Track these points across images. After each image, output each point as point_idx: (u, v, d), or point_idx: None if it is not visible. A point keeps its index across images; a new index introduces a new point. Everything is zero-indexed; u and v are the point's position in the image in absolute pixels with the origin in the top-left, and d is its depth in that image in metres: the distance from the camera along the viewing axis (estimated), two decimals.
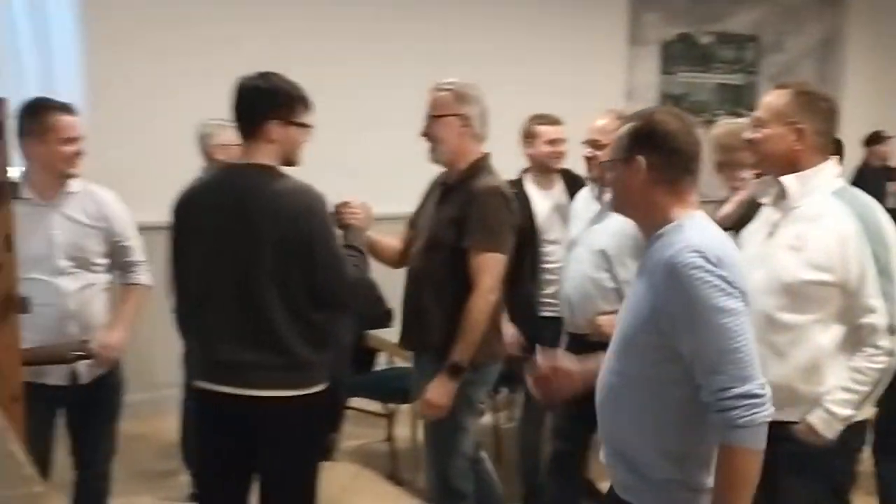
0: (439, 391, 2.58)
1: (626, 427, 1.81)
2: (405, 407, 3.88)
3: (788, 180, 2.20)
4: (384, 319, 4.07)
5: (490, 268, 2.57)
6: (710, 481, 1.73)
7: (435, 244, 2.65)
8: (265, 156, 2.30)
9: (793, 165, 2.20)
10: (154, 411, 4.26)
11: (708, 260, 1.65)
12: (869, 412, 2.29)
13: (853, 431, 2.19)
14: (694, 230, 1.73)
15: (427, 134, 2.65)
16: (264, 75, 2.33)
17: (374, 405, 4.11)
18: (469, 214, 2.57)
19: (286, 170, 2.34)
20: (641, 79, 6.21)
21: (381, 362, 4.43)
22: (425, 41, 5.11)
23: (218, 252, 2.31)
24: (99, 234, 2.72)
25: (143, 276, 2.83)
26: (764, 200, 2.33)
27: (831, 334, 2.14)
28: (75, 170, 2.66)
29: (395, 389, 3.77)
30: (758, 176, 2.46)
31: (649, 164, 1.75)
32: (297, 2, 4.83)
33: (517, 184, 3.31)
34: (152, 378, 4.32)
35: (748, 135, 2.30)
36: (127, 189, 4.07)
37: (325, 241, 2.28)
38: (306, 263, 2.25)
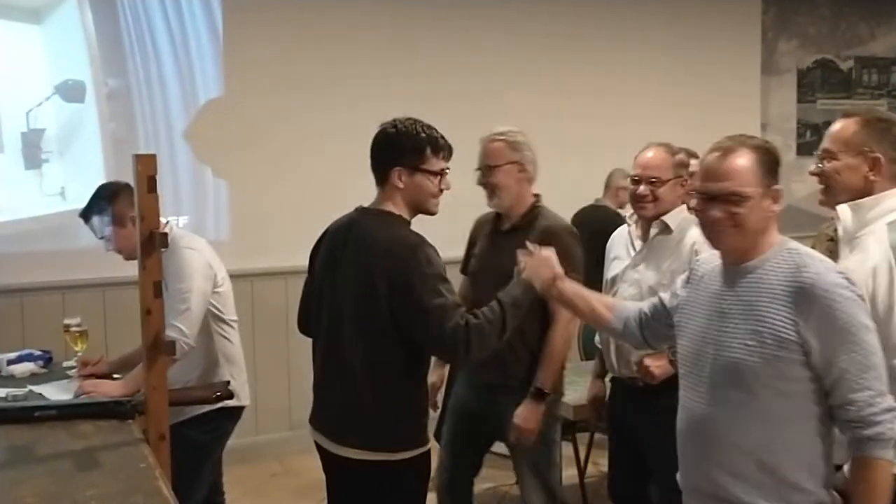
0: (529, 416, 2.66)
1: (747, 451, 1.74)
2: None
3: (842, 210, 2.07)
4: None
5: None
6: (830, 494, 1.74)
7: None
8: (391, 202, 2.28)
9: (867, 196, 2.05)
10: (294, 450, 4.37)
11: (849, 280, 1.68)
12: None
13: None
14: (813, 253, 1.76)
15: (486, 183, 2.73)
16: (397, 122, 2.27)
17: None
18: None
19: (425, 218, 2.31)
20: (777, 109, 5.99)
21: None
22: (559, 76, 5.17)
23: (321, 293, 2.33)
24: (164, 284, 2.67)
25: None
26: (830, 232, 2.20)
27: None
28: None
29: None
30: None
31: (778, 192, 1.77)
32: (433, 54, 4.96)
33: None
34: (290, 416, 4.47)
35: (815, 168, 2.14)
36: (266, 236, 4.21)
37: (410, 291, 2.12)
38: (394, 314, 2.14)
